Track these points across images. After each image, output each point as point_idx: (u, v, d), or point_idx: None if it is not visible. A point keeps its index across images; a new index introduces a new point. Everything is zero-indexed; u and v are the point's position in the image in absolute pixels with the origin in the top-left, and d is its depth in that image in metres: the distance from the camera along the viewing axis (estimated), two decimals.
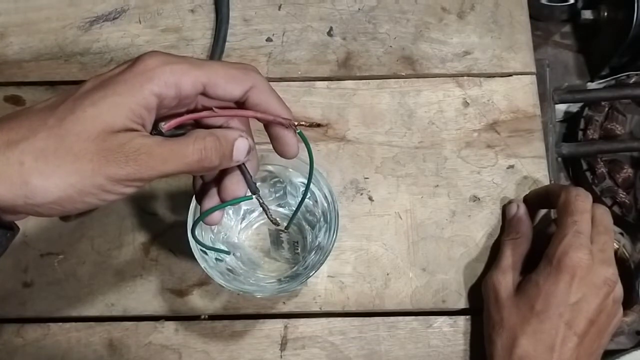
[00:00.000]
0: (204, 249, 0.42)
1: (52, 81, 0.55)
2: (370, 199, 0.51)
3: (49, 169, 0.28)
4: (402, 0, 0.57)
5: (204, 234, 0.44)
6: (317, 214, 0.45)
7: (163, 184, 0.51)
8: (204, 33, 0.56)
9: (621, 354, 0.53)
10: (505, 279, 0.45)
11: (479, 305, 0.47)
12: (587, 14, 0.64)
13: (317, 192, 0.44)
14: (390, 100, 0.54)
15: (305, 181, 0.39)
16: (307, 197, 0.40)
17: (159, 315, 0.49)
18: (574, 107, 0.66)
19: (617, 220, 0.55)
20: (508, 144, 0.52)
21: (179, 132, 0.32)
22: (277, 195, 0.47)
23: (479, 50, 0.55)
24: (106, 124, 0.29)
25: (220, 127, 0.34)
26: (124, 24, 0.56)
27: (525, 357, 0.41)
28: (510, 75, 0.54)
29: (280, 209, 0.48)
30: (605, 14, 0.63)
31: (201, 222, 0.37)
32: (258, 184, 0.42)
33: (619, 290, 0.43)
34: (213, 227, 0.44)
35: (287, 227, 0.42)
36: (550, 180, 0.52)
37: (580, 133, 0.63)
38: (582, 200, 0.44)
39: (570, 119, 0.66)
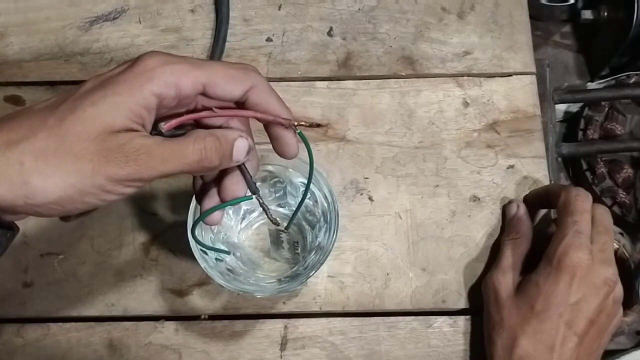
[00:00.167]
0: (204, 249, 0.42)
1: (52, 81, 0.55)
2: (370, 199, 0.51)
3: (49, 169, 0.28)
4: (402, 0, 0.57)
5: (204, 234, 0.44)
6: (317, 214, 0.45)
7: (163, 184, 0.51)
8: (204, 33, 0.56)
9: (621, 354, 0.53)
10: (505, 279, 0.45)
11: (479, 305, 0.47)
12: (587, 14, 0.64)
13: (317, 192, 0.44)
14: (390, 100, 0.54)
15: (305, 181, 0.39)
16: (307, 197, 0.40)
17: (159, 315, 0.49)
18: (574, 107, 0.66)
19: (617, 220, 0.55)
20: (508, 144, 0.52)
21: (179, 132, 0.32)
22: (277, 195, 0.47)
23: (479, 50, 0.55)
24: (106, 124, 0.29)
25: (220, 127, 0.35)
26: (124, 24, 0.56)
27: (525, 357, 0.41)
28: (510, 75, 0.54)
29: (280, 209, 0.48)
30: (605, 14, 0.63)
31: (201, 222, 0.37)
32: (258, 184, 0.42)
33: (619, 290, 0.43)
34: (213, 227, 0.44)
35: (287, 227, 0.42)
36: (550, 180, 0.52)
37: (580, 133, 0.63)
38: (582, 200, 0.44)
39: (570, 119, 0.66)
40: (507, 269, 0.45)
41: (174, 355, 0.48)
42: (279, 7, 0.57)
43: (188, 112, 0.34)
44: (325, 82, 0.54)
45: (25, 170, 0.28)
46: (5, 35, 0.56)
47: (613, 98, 0.61)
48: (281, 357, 0.48)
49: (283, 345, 0.48)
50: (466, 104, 0.53)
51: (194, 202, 0.42)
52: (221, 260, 0.44)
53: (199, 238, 0.40)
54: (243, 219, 0.49)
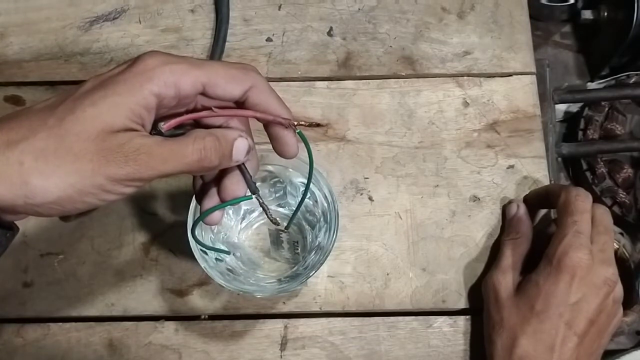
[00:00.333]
0: (204, 249, 0.42)
1: (52, 81, 0.55)
2: (370, 199, 0.51)
3: (49, 169, 0.28)
4: (402, 0, 0.57)
5: (204, 234, 0.44)
6: (317, 214, 0.45)
7: (163, 184, 0.51)
8: (204, 33, 0.56)
9: (621, 354, 0.53)
10: (505, 279, 0.45)
11: (479, 305, 0.47)
12: (587, 14, 0.64)
13: (317, 192, 0.44)
14: (390, 100, 0.54)
15: (305, 181, 0.39)
16: (307, 197, 0.40)
17: (159, 315, 0.49)
18: (574, 107, 0.66)
19: (617, 220, 0.55)
20: (508, 144, 0.52)
21: (179, 132, 0.32)
22: (277, 195, 0.47)
23: (479, 50, 0.55)
24: (106, 124, 0.29)
25: (219, 127, 0.34)
26: (124, 24, 0.56)
27: (525, 357, 0.41)
28: (510, 75, 0.54)
29: (280, 209, 0.48)
30: (605, 14, 0.63)
31: (201, 222, 0.37)
32: (258, 184, 0.42)
33: (619, 290, 0.43)
34: (213, 227, 0.44)
35: (287, 227, 0.42)
36: (550, 180, 0.52)
37: (580, 133, 0.63)
38: (582, 200, 0.44)
39: (570, 119, 0.66)
40: (507, 269, 0.45)
41: (174, 355, 0.48)
42: (279, 7, 0.57)
43: (188, 111, 0.34)
44: (325, 82, 0.54)
45: (25, 170, 0.28)
46: (5, 35, 0.56)
47: (613, 98, 0.61)
48: (281, 357, 0.48)
49: (283, 345, 0.48)
50: (466, 104, 0.53)
51: (194, 202, 0.42)
52: (221, 260, 0.44)
53: (199, 238, 0.40)
54: (243, 219, 0.49)
